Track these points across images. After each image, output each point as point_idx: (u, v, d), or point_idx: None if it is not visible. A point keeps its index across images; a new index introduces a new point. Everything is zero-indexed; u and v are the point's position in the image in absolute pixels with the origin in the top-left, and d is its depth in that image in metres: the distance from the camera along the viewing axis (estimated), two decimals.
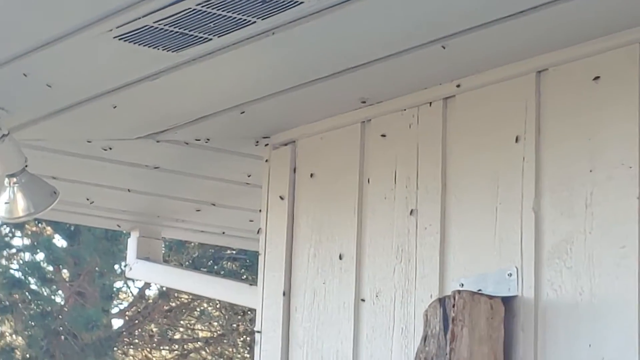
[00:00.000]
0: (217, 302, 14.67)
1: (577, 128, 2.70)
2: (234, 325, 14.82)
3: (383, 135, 3.24)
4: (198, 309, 15.99)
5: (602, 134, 2.65)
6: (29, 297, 13.84)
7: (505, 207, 2.88)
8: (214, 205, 4.60)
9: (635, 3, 2.47)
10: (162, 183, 4.34)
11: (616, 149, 2.65)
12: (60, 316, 13.91)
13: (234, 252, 13.51)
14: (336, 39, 2.84)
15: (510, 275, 2.81)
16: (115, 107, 3.41)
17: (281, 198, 3.59)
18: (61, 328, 13.75)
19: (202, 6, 2.64)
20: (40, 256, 14.30)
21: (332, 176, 3.44)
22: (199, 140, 3.76)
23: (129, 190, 4.38)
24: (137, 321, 15.47)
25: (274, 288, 3.55)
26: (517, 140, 2.84)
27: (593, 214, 2.69)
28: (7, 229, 14.70)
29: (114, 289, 15.15)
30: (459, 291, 2.79)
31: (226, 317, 15.46)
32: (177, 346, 16.42)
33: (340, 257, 3.30)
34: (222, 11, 2.69)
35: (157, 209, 4.80)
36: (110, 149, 3.86)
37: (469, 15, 2.66)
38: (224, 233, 4.97)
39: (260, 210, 3.77)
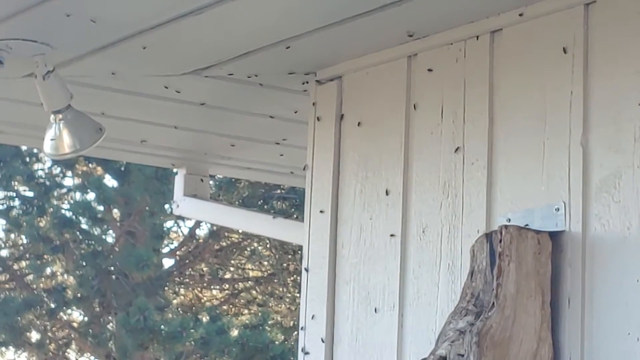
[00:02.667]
0: (268, 241, 14.98)
1: (625, 61, 2.67)
2: (284, 264, 15.07)
3: (430, 70, 3.20)
4: (248, 249, 16.24)
5: None
6: (80, 236, 14.13)
7: (552, 142, 2.85)
8: (259, 141, 4.60)
9: None
10: (209, 119, 4.34)
11: None
12: (111, 256, 14.19)
13: (284, 191, 13.66)
14: None
15: (557, 210, 2.79)
16: (160, 42, 3.40)
17: (327, 134, 3.58)
18: (112, 267, 14.05)
19: None
20: (90, 196, 14.60)
21: (378, 112, 3.41)
22: (239, 75, 3.72)
23: (175, 127, 4.32)
24: (187, 261, 15.75)
25: (320, 224, 3.53)
26: (564, 74, 2.82)
27: None
28: (58, 169, 15.07)
29: (165, 229, 15.44)
30: (506, 226, 2.77)
31: (276, 256, 15.69)
32: (227, 285, 16.72)
33: (387, 193, 3.29)
34: None
35: (203, 146, 4.80)
36: (166, 87, 3.81)
37: None
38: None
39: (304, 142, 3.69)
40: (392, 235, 3.35)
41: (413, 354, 3.15)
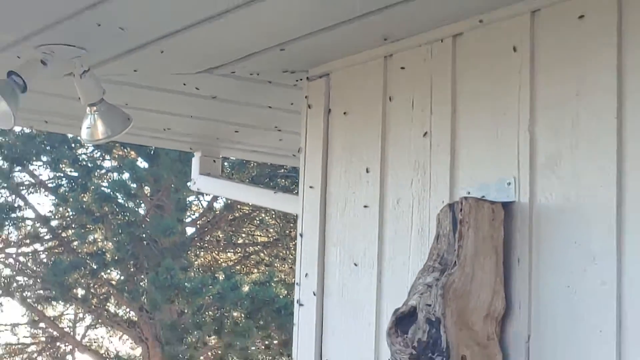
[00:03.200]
0: (273, 212, 15.12)
1: (564, 58, 2.68)
2: (287, 231, 15.21)
3: (402, 68, 3.20)
4: (257, 218, 16.48)
5: (586, 64, 2.63)
6: (117, 209, 14.38)
7: (505, 128, 2.88)
8: (262, 128, 4.61)
9: None
10: (218, 110, 4.35)
11: (598, 76, 2.62)
12: (142, 225, 14.43)
13: (287, 170, 13.69)
14: None
15: (509, 184, 2.81)
16: (177, 46, 3.40)
17: (318, 122, 3.56)
18: (143, 235, 14.28)
19: None
20: (125, 175, 14.79)
21: (360, 103, 3.44)
22: (242, 74, 3.71)
23: (191, 117, 4.41)
24: (206, 229, 16.01)
25: (312, 198, 3.56)
26: (514, 70, 2.83)
27: (578, 132, 2.70)
28: (98, 154, 15.33)
29: (187, 202, 15.68)
30: (466, 198, 2.81)
31: (280, 224, 15.83)
32: (239, 249, 16.90)
33: (367, 171, 3.30)
34: None
35: (215, 133, 4.80)
36: (185, 84, 3.85)
37: None
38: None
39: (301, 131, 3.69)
40: (366, 206, 3.38)
41: (389, 305, 3.13)
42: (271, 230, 17.22)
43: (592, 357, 2.68)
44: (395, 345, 2.81)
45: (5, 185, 15.96)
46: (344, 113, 3.48)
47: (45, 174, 16.42)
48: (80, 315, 17.10)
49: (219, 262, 16.77)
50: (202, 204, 17.11)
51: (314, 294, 3.47)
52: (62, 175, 15.88)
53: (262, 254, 17.20)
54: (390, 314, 2.99)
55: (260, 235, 17.19)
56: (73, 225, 15.75)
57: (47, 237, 16.35)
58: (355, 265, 3.43)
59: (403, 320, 2.81)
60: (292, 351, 3.75)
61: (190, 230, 16.29)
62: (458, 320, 2.72)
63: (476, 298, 2.75)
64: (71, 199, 15.05)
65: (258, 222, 17.11)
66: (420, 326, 2.73)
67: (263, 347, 15.29)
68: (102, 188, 15.11)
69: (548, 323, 2.79)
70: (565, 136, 2.75)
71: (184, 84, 3.92)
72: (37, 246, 16.27)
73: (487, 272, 2.76)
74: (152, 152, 14.50)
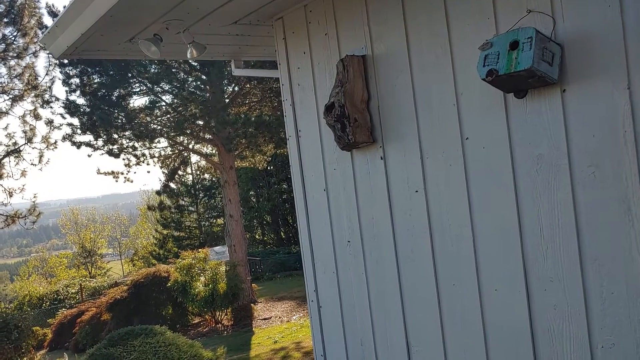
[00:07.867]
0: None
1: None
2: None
3: (310, 11, 3.89)
4: None
5: None
6: None
7: (356, 27, 3.44)
8: (261, 46, 4.85)
9: None
10: (239, 41, 4.67)
11: None
12: None
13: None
14: None
15: (363, 48, 3.49)
16: (219, 15, 3.98)
17: (282, 41, 4.13)
18: None
19: None
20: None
21: (301, 31, 3.99)
22: (246, 22, 4.17)
23: (229, 45, 4.75)
24: None
25: (284, 69, 4.18)
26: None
27: None
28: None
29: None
30: (348, 55, 3.49)
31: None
32: None
33: (304, 53, 3.96)
34: None
35: (235, 50, 5.08)
36: (229, 31, 4.25)
37: None
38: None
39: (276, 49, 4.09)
40: (305, 69, 3.95)
41: (321, 102, 3.82)
42: None
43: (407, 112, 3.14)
44: (327, 118, 3.47)
45: None
46: (292, 33, 4.01)
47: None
48: None
49: None
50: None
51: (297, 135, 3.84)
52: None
53: None
54: (323, 105, 3.68)
55: None
56: None
57: None
58: (302, 88, 3.93)
59: (329, 108, 3.47)
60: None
61: None
62: (350, 104, 3.41)
63: (356, 94, 3.43)
64: None
65: None
66: (336, 108, 3.41)
67: None
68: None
69: (384, 99, 3.36)
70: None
71: (229, 32, 4.36)
72: None
73: (359, 84, 3.44)
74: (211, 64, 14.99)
